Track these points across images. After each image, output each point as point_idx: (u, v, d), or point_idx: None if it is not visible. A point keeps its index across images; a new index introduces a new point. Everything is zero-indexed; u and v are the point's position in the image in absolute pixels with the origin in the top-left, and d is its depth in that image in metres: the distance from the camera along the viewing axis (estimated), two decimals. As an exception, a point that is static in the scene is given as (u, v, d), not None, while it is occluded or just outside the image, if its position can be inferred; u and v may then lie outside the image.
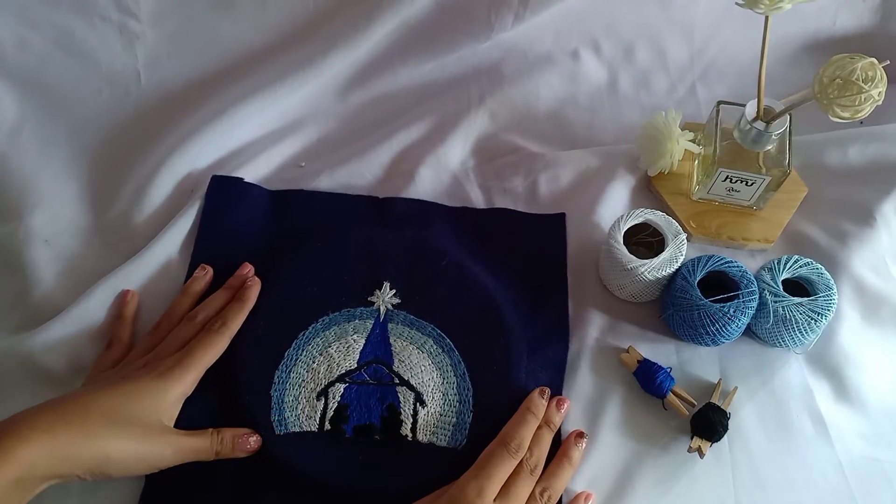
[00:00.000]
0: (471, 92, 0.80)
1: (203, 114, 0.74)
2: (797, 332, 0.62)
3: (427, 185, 0.74)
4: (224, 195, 0.70)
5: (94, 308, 0.63)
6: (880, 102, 0.55)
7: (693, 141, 0.71)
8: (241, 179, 0.72)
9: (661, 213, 0.66)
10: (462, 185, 0.75)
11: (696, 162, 0.73)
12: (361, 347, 0.63)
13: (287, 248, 0.68)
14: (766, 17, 0.59)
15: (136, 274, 0.66)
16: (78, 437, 0.49)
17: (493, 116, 0.79)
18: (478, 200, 0.73)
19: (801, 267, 0.63)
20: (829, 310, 0.61)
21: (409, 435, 0.59)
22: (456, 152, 0.76)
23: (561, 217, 0.71)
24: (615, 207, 0.72)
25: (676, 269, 0.64)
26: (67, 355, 0.62)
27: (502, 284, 0.67)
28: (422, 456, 0.59)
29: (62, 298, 0.65)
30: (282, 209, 0.71)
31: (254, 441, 0.57)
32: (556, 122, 0.80)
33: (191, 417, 0.58)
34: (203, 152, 0.73)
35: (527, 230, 0.70)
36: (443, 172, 0.75)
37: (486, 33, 0.77)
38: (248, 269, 0.66)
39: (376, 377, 0.62)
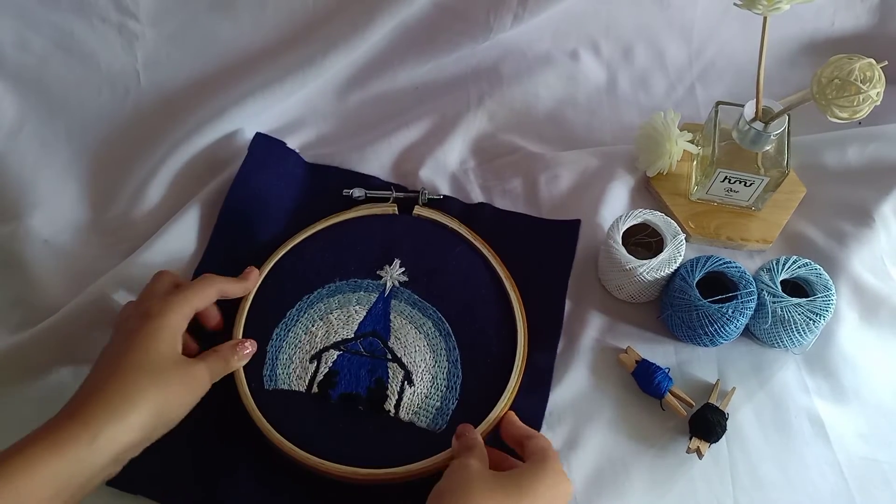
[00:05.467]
0: (470, 92, 0.80)
1: (202, 114, 0.74)
2: (795, 333, 0.62)
3: (427, 185, 0.73)
4: (265, 153, 0.73)
5: (93, 305, 0.63)
6: (878, 103, 0.55)
7: (691, 141, 0.71)
8: (283, 143, 0.74)
9: (659, 214, 0.66)
10: (462, 185, 0.75)
11: (695, 162, 0.73)
12: (361, 319, 0.64)
13: (311, 215, 0.70)
14: (765, 18, 0.59)
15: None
16: (129, 404, 0.49)
17: (492, 117, 0.80)
18: (478, 201, 0.73)
19: (799, 268, 0.63)
20: (827, 310, 0.61)
21: (392, 411, 0.60)
22: (455, 153, 0.77)
23: (575, 224, 0.71)
24: (614, 208, 0.72)
25: (675, 270, 0.64)
26: (68, 354, 0.62)
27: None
28: (400, 433, 0.59)
29: (62, 297, 0.65)
30: (314, 180, 0.74)
31: (249, 345, 0.60)
32: (555, 123, 0.80)
33: None
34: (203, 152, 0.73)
35: (541, 236, 0.70)
36: (442, 173, 0.75)
37: (485, 34, 0.77)
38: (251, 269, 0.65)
39: (370, 349, 0.63)
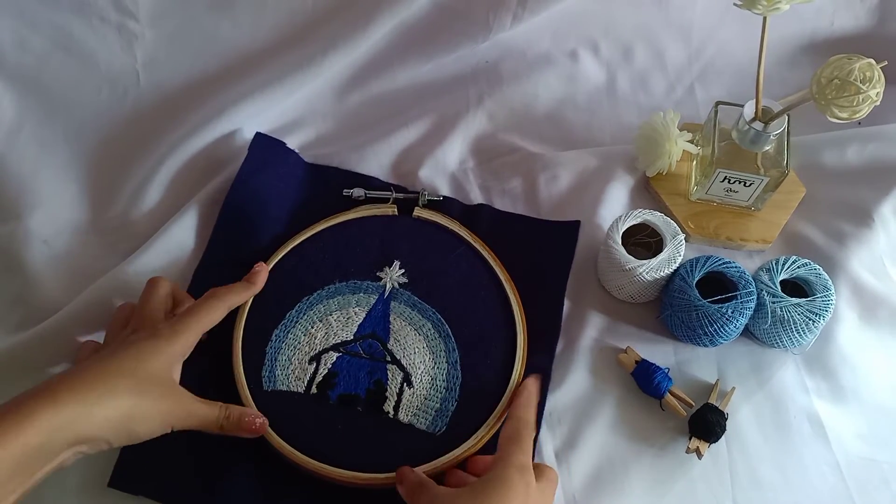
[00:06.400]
0: (469, 92, 0.80)
1: (202, 114, 0.74)
2: (795, 333, 0.62)
3: (426, 185, 0.73)
4: (265, 153, 0.72)
5: (93, 306, 0.63)
6: (878, 103, 0.55)
7: (691, 141, 0.71)
8: (282, 143, 0.74)
9: (659, 214, 0.66)
10: (461, 185, 0.75)
11: (695, 162, 0.73)
12: (361, 321, 0.64)
13: (310, 215, 0.69)
14: (765, 18, 0.59)
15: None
16: (103, 396, 0.48)
17: (491, 117, 0.79)
18: (477, 201, 0.73)
19: (799, 268, 0.63)
20: (826, 310, 0.61)
21: (391, 412, 0.60)
22: (455, 153, 0.77)
23: (575, 225, 0.71)
24: (613, 208, 0.72)
25: (675, 270, 0.64)
26: (68, 354, 0.62)
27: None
28: (399, 435, 0.59)
29: (61, 298, 0.65)
30: (314, 180, 0.73)
31: (260, 423, 0.56)
32: (555, 123, 0.80)
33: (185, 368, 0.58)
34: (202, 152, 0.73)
35: (541, 237, 0.70)
36: (442, 173, 0.75)
37: (485, 34, 0.77)
38: (260, 265, 0.65)
39: (369, 352, 0.63)
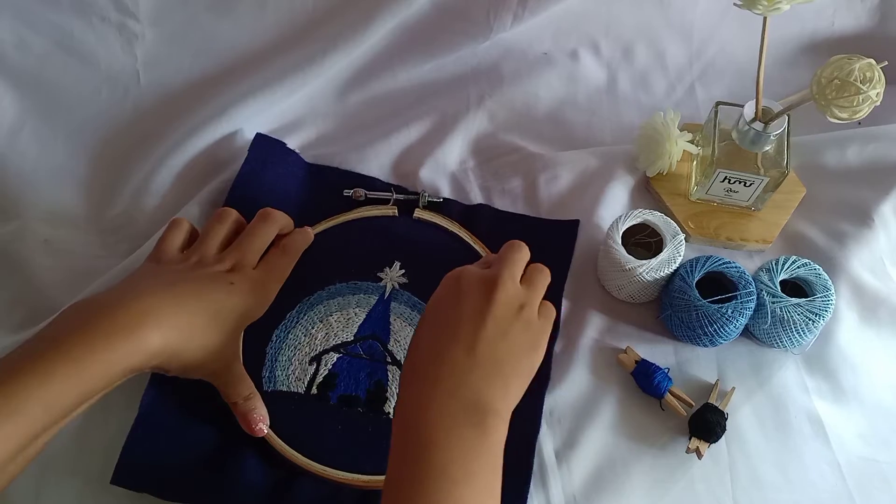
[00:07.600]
0: (470, 92, 0.80)
1: (202, 114, 0.74)
2: (795, 333, 0.62)
3: (427, 185, 0.73)
4: (265, 153, 0.72)
5: None
6: (878, 103, 0.55)
7: (691, 141, 0.71)
8: (283, 143, 0.74)
9: (659, 214, 0.66)
10: (461, 185, 0.75)
11: (695, 162, 0.73)
12: (361, 321, 0.65)
13: (311, 216, 0.69)
14: (765, 18, 0.59)
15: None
16: (196, 338, 0.52)
17: (492, 117, 0.79)
18: (477, 201, 0.73)
19: (798, 268, 0.63)
20: (826, 310, 0.61)
21: (391, 413, 0.60)
22: (455, 153, 0.76)
23: (574, 224, 0.71)
24: (614, 208, 0.72)
25: (675, 270, 0.64)
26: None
27: None
28: None
29: (62, 297, 0.65)
30: (314, 180, 0.73)
31: (258, 428, 0.57)
32: (555, 123, 0.80)
33: None
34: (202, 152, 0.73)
35: (540, 236, 0.70)
36: (442, 173, 0.75)
37: (485, 34, 0.77)
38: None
39: (370, 352, 0.63)
